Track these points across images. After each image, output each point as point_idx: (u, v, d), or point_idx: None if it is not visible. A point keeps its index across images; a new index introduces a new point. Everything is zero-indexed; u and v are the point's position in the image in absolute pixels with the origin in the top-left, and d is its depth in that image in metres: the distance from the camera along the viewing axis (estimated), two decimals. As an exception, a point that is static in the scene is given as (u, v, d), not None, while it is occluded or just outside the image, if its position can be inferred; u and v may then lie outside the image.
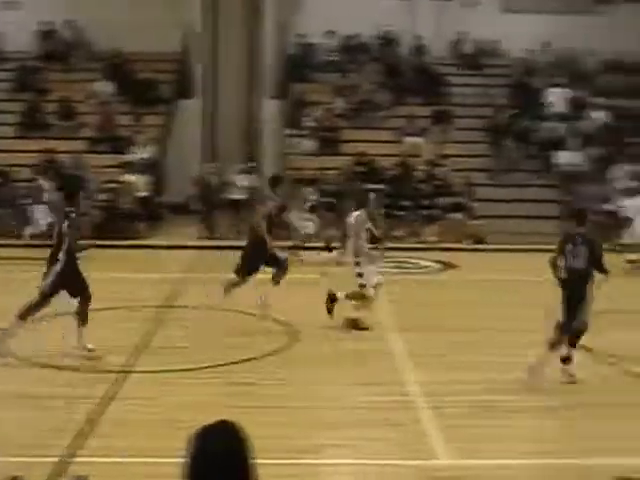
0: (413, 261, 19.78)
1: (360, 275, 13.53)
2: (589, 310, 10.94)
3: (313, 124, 25.08)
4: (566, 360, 11.14)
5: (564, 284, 10.95)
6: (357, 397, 10.49)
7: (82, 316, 11.75)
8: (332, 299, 13.76)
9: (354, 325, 13.62)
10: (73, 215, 11.72)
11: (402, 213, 22.53)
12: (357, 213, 13.74)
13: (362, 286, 13.52)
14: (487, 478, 8.39)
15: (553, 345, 10.89)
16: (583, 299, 10.89)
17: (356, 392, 10.67)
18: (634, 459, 8.45)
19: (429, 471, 8.47)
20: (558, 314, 10.91)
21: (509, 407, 10.24)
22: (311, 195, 22.34)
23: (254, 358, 11.90)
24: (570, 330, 10.93)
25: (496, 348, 12.68)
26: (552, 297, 13.73)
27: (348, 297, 13.67)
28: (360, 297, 13.63)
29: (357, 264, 13.57)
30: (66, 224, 11.60)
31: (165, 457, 7.86)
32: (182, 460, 3.67)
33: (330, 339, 13.08)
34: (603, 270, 10.97)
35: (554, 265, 11.08)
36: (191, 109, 27.19)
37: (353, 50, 27.72)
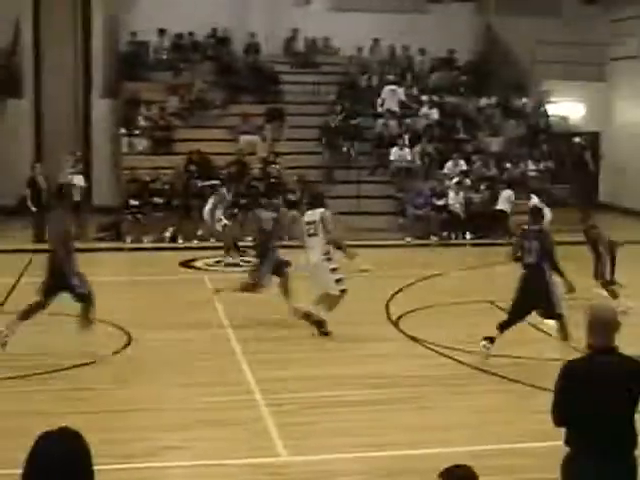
0: (249, 259, 19.71)
1: (334, 270, 13.16)
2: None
3: (146, 123, 24.80)
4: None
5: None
6: (198, 397, 10.42)
7: None
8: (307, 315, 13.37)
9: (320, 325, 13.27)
10: None
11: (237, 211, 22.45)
12: (322, 210, 13.38)
13: (339, 281, 13.12)
14: (326, 473, 8.46)
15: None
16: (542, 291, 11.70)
17: (197, 392, 10.60)
18: (461, 447, 8.74)
19: (270, 468, 8.50)
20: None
21: (345, 402, 10.38)
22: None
23: (93, 362, 11.68)
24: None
25: (334, 342, 12.85)
26: (382, 291, 14.08)
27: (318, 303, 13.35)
28: (326, 299, 13.31)
29: (329, 260, 13.18)
30: None
31: (2, 468, 7.66)
32: (21, 469, 3.59)
33: (171, 341, 12.96)
34: (554, 265, 11.85)
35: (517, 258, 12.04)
36: (20, 108, 26.45)
37: (186, 49, 27.56)
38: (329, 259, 13.17)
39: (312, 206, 13.80)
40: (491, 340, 11.78)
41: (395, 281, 16.87)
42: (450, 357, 12.18)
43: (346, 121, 25.75)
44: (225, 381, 11.07)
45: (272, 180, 23.31)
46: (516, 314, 11.93)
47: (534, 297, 11.85)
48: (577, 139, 26.92)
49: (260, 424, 9.57)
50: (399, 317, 14.30)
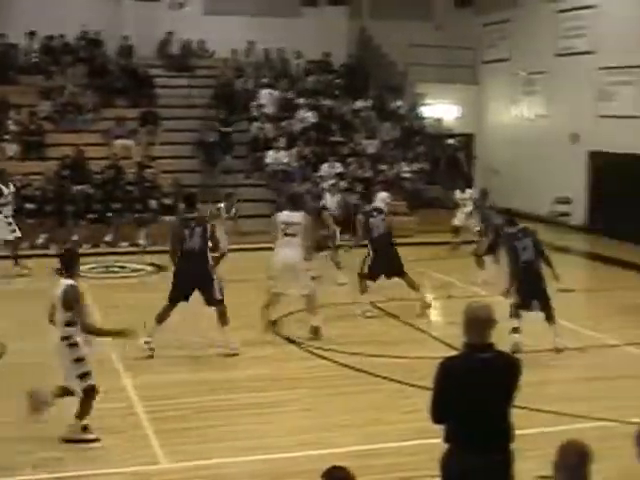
0: (125, 265, 19.51)
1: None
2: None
3: (17, 128, 24.20)
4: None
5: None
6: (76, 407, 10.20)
7: None
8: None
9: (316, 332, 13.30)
10: None
11: (111, 215, 22.11)
12: (299, 214, 13.36)
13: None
14: (207, 478, 8.40)
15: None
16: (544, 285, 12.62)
17: (74, 401, 10.38)
18: (343, 448, 8.78)
19: (151, 476, 8.39)
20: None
21: (224, 406, 10.32)
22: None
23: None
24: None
25: (213, 346, 12.76)
26: (259, 297, 14.04)
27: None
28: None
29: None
30: None
31: None
32: None
33: (44, 349, 12.62)
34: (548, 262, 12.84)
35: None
36: None
37: (56, 51, 27.02)
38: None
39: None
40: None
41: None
42: (327, 358, 12.22)
43: (222, 124, 25.60)
44: (102, 389, 10.84)
45: (147, 184, 23.00)
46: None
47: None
48: (451, 141, 27.36)
49: (139, 432, 9.46)
50: (276, 320, 14.27)
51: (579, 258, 21.76)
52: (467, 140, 29.64)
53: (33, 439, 9.21)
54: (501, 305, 12.48)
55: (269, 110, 26.67)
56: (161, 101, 26.45)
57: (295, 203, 13.84)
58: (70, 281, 9.34)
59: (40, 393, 9.30)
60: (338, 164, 24.75)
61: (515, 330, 12.31)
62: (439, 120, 29.00)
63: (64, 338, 9.11)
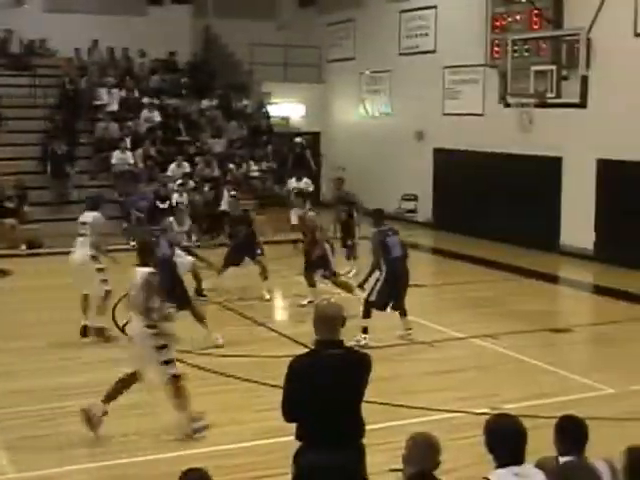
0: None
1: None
2: None
3: None
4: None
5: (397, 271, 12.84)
6: None
7: None
8: None
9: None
10: None
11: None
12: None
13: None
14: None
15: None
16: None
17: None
18: (197, 449, 8.72)
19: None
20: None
21: (72, 412, 10.08)
22: None
23: None
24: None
25: (58, 353, 12.49)
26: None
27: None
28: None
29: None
30: None
31: None
32: None
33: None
34: None
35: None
36: None
37: None
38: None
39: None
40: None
41: (122, 286, 16.53)
42: (179, 360, 12.08)
43: (65, 124, 25.06)
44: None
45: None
46: None
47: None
48: (298, 139, 27.48)
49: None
50: (126, 323, 14.03)
51: (426, 254, 22.23)
52: (314, 138, 29.87)
53: None
54: (351, 302, 12.68)
55: (112, 109, 26.26)
56: (3, 101, 25.66)
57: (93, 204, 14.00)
58: (149, 269, 9.64)
59: (93, 408, 9.23)
60: (186, 164, 24.56)
61: (365, 330, 12.55)
62: (285, 119, 29.14)
63: (148, 326, 9.21)
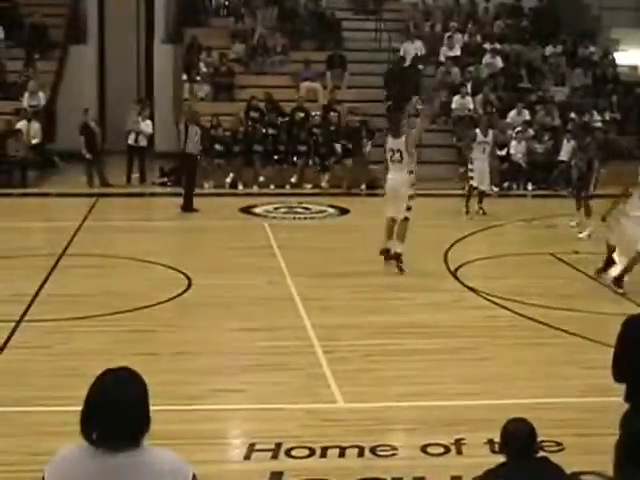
0: (308, 206, 19.77)
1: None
2: None
3: (207, 70, 24.73)
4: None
5: None
6: (254, 342, 10.48)
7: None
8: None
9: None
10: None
11: (296, 158, 22.44)
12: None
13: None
14: (380, 420, 8.45)
15: None
16: None
17: (253, 337, 10.67)
18: (519, 400, 8.70)
19: (326, 414, 8.52)
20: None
21: (401, 350, 10.36)
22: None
23: (149, 306, 11.78)
24: None
25: (392, 291, 12.83)
26: (442, 241, 14.03)
27: None
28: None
29: None
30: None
31: (60, 405, 7.81)
32: (80, 407, 3.65)
33: (230, 286, 13.01)
34: None
35: None
36: (83, 54, 26.56)
37: (247, -7, 27.37)
38: None
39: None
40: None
41: (455, 231, 16.76)
42: (509, 309, 12.09)
43: (408, 69, 25.42)
44: (282, 326, 11.10)
45: (332, 128, 23.13)
46: None
47: None
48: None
49: (317, 370, 9.60)
50: (458, 267, 14.20)
51: None
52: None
53: (212, 370, 9.55)
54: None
55: (455, 54, 26.32)
56: (348, 44, 26.46)
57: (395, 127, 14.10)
58: None
59: None
60: (526, 111, 24.22)
61: None
62: (634, 68, 27.92)
63: None
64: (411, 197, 13.78)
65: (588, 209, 16.62)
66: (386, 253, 13.88)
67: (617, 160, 22.88)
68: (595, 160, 17.36)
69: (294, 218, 18.59)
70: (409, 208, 13.68)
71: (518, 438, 5.07)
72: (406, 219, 13.70)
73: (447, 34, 26.71)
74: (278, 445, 7.67)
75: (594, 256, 14.23)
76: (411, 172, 13.78)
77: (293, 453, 7.58)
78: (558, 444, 7.70)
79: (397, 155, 13.70)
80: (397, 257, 13.74)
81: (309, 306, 11.94)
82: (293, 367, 9.70)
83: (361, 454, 7.63)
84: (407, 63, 25.59)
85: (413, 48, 26.03)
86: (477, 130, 19.02)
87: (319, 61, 25.36)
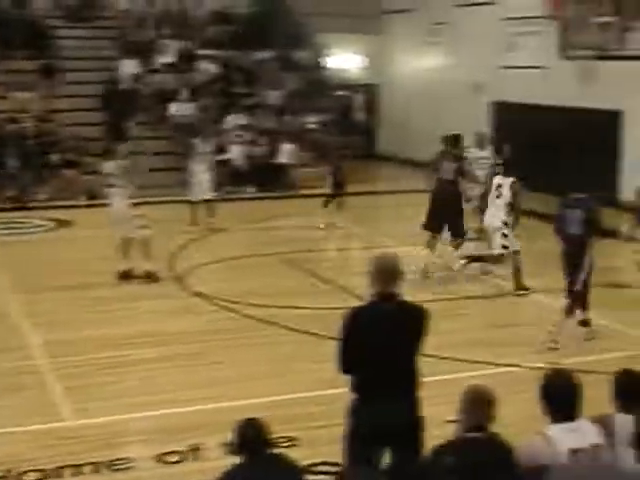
0: (25, 221, 19.11)
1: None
2: None
3: None
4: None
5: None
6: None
7: None
8: None
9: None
10: None
11: (13, 172, 21.64)
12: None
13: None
14: (115, 434, 8.32)
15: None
16: None
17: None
18: (257, 399, 8.80)
19: (59, 433, 8.29)
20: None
21: (131, 361, 10.24)
22: None
23: None
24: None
25: (115, 303, 12.64)
26: (167, 247, 13.98)
27: None
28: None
29: None
30: None
31: None
32: None
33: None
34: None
35: None
36: None
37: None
38: None
39: None
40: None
41: (180, 237, 16.73)
42: (238, 312, 12.19)
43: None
44: (6, 347, 10.67)
45: (48, 138, 22.47)
46: None
47: None
48: (354, 92, 27.34)
49: (46, 388, 9.34)
50: (185, 273, 14.20)
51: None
52: (371, 91, 29.64)
53: None
54: (408, 256, 12.63)
55: (170, 60, 26.26)
56: (62, 53, 25.76)
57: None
58: None
59: None
60: (242, 115, 24.55)
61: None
62: (343, 71, 28.94)
63: None
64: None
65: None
66: (127, 273, 13.63)
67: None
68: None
69: (11, 234, 17.90)
70: (141, 226, 13.56)
71: (250, 437, 5.12)
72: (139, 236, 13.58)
73: (161, 41, 26.62)
74: (8, 471, 7.38)
75: (318, 253, 14.63)
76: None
77: (25, 478, 7.32)
78: (291, 439, 7.87)
79: (113, 180, 13.73)
80: (149, 275, 13.66)
81: (36, 323, 11.57)
82: (21, 388, 9.36)
83: (96, 470, 7.50)
84: (123, 84, 25.23)
85: (129, 65, 25.70)
86: (197, 140, 18.89)
87: (31, 70, 24.54)
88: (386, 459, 5.89)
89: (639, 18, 19.12)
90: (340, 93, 27.33)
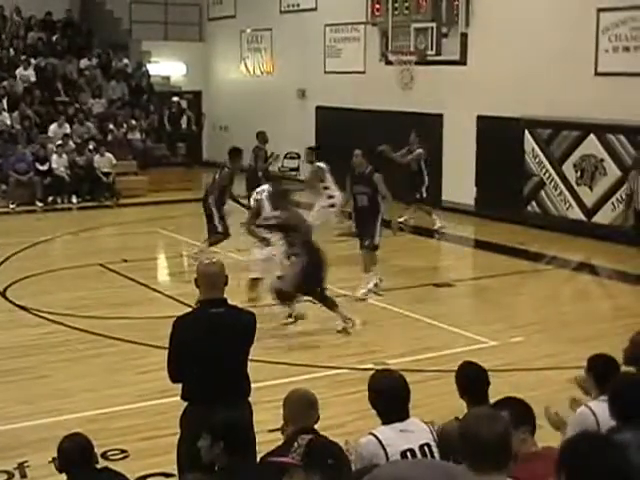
0: None
1: None
2: None
3: None
4: None
5: None
6: None
7: None
8: None
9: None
10: None
11: None
12: None
13: None
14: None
15: None
16: None
17: None
18: (84, 412, 8.62)
19: None
20: None
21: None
22: None
23: None
24: None
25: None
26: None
27: None
28: None
29: None
30: None
31: None
32: None
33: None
34: None
35: None
36: None
37: None
38: None
39: None
40: None
41: (1, 250, 16.24)
42: (63, 324, 11.92)
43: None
44: None
45: None
46: None
47: None
48: (177, 99, 27.22)
49: None
50: (7, 287, 13.77)
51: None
52: (195, 98, 29.54)
53: None
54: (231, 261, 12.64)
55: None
56: None
57: None
58: None
59: None
60: (65, 124, 24.03)
61: None
62: (166, 78, 28.77)
63: None
64: None
65: None
66: None
67: (156, 167, 23.66)
68: None
69: None
70: None
71: (73, 453, 5.01)
72: None
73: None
74: None
75: (143, 262, 14.43)
76: None
77: None
78: (123, 451, 7.74)
79: None
80: None
81: None
82: None
83: None
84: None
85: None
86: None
87: None
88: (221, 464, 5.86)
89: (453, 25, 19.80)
90: (164, 100, 27.09)
